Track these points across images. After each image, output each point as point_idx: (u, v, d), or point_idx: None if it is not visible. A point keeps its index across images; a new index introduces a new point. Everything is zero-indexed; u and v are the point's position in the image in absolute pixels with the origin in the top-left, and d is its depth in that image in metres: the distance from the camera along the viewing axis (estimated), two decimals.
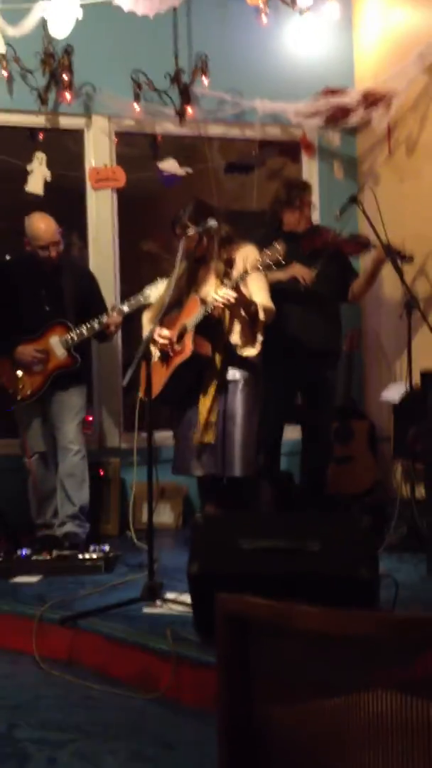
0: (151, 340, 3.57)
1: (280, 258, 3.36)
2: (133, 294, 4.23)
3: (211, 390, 3.56)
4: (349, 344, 4.77)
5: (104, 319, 4.14)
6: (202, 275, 3.72)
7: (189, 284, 3.74)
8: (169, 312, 3.71)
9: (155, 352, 3.72)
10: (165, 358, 3.68)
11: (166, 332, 3.66)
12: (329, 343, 4.36)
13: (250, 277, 3.57)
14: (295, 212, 4.28)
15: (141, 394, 3.75)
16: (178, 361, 3.59)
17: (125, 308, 4.17)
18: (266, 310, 3.58)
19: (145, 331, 3.55)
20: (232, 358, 3.62)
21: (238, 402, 3.57)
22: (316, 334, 4.24)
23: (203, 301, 3.55)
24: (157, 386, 3.65)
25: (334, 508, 4.48)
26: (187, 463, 3.63)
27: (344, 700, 1.40)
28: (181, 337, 3.60)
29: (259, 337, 3.58)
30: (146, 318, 3.84)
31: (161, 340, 3.64)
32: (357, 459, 4.69)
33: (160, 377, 3.68)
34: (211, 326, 3.59)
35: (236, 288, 3.44)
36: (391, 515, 4.07)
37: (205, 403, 3.56)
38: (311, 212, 4.44)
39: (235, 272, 3.55)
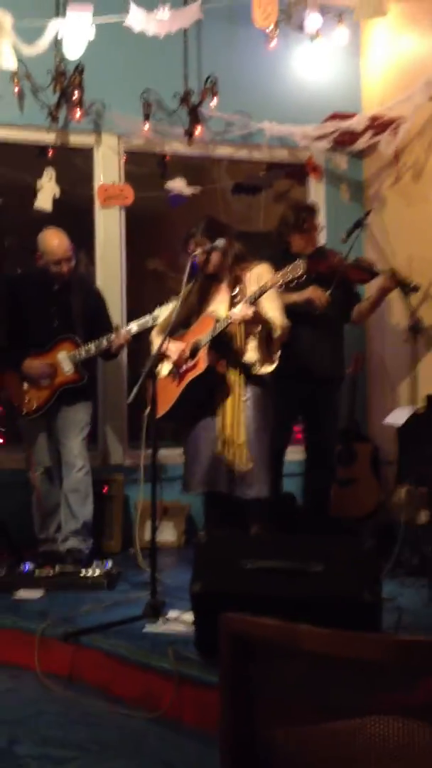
0: (162, 354, 3.57)
1: (301, 275, 3.34)
2: (141, 313, 4.26)
3: (229, 406, 3.53)
4: (353, 367, 4.79)
5: (112, 337, 4.17)
6: (213, 293, 3.72)
7: (200, 302, 3.74)
8: (178, 329, 3.72)
9: (167, 366, 3.72)
10: (176, 373, 3.68)
11: (179, 345, 3.65)
12: (335, 367, 4.37)
13: (266, 294, 3.56)
14: (303, 235, 4.29)
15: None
16: (190, 376, 3.58)
17: (134, 328, 4.20)
18: (282, 328, 3.55)
19: (154, 348, 3.55)
20: (246, 375, 3.59)
21: (249, 419, 3.54)
22: (324, 358, 4.25)
23: (217, 318, 3.55)
24: (168, 402, 3.65)
25: (337, 531, 4.47)
26: (192, 479, 3.61)
27: (347, 723, 1.40)
28: (194, 353, 3.60)
29: (276, 354, 3.53)
30: (155, 335, 3.85)
31: (174, 355, 3.64)
32: (360, 482, 4.70)
33: (170, 393, 3.67)
34: (224, 343, 3.57)
35: (253, 304, 3.44)
36: (394, 539, 4.06)
37: (223, 418, 3.53)
38: (318, 235, 4.47)
39: (249, 290, 3.54)
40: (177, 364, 3.67)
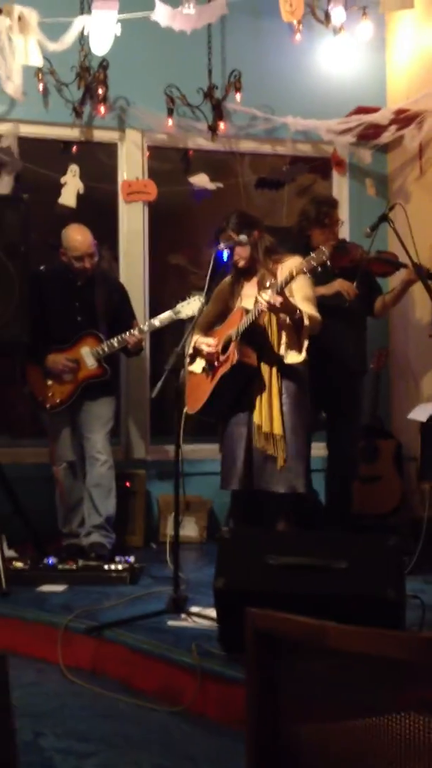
0: (197, 352, 3.56)
1: (325, 260, 3.31)
2: (163, 308, 4.28)
3: (265, 400, 3.50)
4: (377, 363, 4.76)
5: (127, 335, 4.19)
6: (246, 288, 3.70)
7: (234, 296, 3.73)
8: (213, 325, 3.71)
9: (200, 364, 3.71)
10: (210, 368, 3.67)
11: (211, 340, 3.64)
12: (359, 360, 4.35)
13: (297, 286, 3.53)
14: (325, 230, 4.26)
15: (187, 409, 3.72)
16: (222, 371, 3.57)
17: (156, 323, 4.22)
18: (312, 318, 3.50)
19: (188, 344, 3.54)
20: (280, 368, 3.54)
21: (285, 414, 3.49)
22: (348, 351, 4.23)
23: (247, 310, 3.52)
24: (202, 398, 3.64)
25: (359, 528, 4.45)
26: (228, 477, 3.59)
27: (373, 721, 1.40)
28: (226, 347, 3.59)
29: (305, 344, 3.46)
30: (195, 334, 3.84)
31: (206, 349, 3.63)
32: (383, 478, 4.68)
33: (204, 389, 3.66)
34: (257, 335, 3.52)
35: (281, 292, 3.41)
36: (417, 536, 4.04)
37: (260, 411, 3.50)
38: (339, 229, 4.43)
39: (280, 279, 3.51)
40: (209, 360, 3.65)
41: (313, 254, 3.35)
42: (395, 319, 5.30)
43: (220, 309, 3.76)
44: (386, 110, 5.02)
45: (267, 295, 3.38)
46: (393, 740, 1.37)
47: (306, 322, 3.44)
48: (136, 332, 4.21)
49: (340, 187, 5.37)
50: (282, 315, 3.45)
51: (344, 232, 5.23)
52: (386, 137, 5.06)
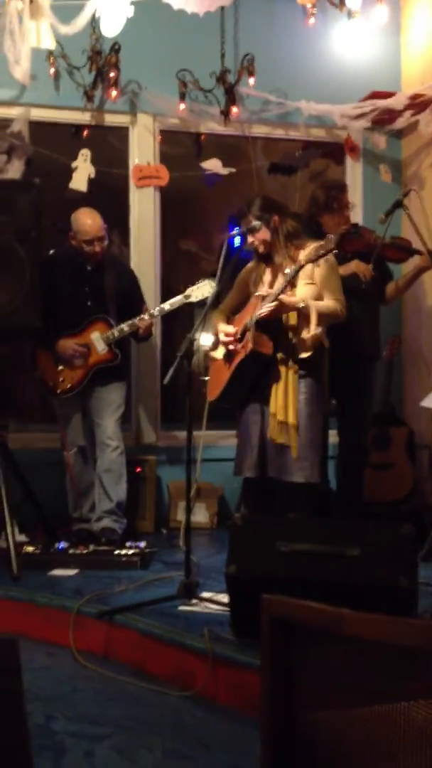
0: (217, 341, 3.56)
1: (332, 248, 3.28)
2: (173, 293, 4.27)
3: (281, 389, 3.47)
4: (389, 351, 4.74)
5: (137, 320, 4.18)
6: (268, 273, 3.68)
7: (255, 282, 3.70)
8: (235, 311, 3.70)
9: (221, 350, 3.70)
10: (229, 356, 3.66)
11: (230, 329, 3.62)
12: (373, 345, 4.33)
13: (319, 276, 3.49)
14: (334, 215, 4.22)
15: (210, 397, 3.72)
16: (238, 359, 3.56)
17: (166, 306, 4.21)
18: (325, 314, 3.47)
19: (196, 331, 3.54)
20: (297, 356, 3.50)
21: (300, 402, 3.45)
22: (363, 336, 4.19)
23: (264, 298, 3.51)
24: (220, 386, 3.63)
25: (370, 515, 4.45)
26: (242, 464, 3.57)
27: (388, 708, 1.40)
28: (243, 335, 3.57)
29: (309, 338, 3.44)
30: (215, 317, 3.82)
31: (224, 338, 3.60)
32: (395, 466, 4.66)
33: (223, 376, 3.65)
34: (273, 323, 3.47)
35: (278, 295, 3.38)
36: (429, 523, 4.04)
37: (276, 400, 3.46)
38: (350, 212, 4.39)
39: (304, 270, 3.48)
40: (227, 347, 3.64)
41: (321, 243, 3.33)
42: (408, 306, 5.27)
43: (243, 295, 3.73)
44: (401, 95, 4.97)
45: (265, 309, 3.39)
46: (407, 727, 1.37)
47: (312, 315, 3.41)
48: (146, 317, 4.20)
49: (354, 172, 5.33)
50: (287, 311, 3.43)
51: (358, 218, 5.20)
52: (401, 122, 5.02)
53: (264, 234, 3.58)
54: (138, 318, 4.20)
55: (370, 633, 1.35)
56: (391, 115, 5.00)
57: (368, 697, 1.43)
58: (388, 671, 1.42)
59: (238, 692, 2.68)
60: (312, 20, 4.91)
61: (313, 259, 3.34)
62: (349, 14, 5.06)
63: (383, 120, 5.05)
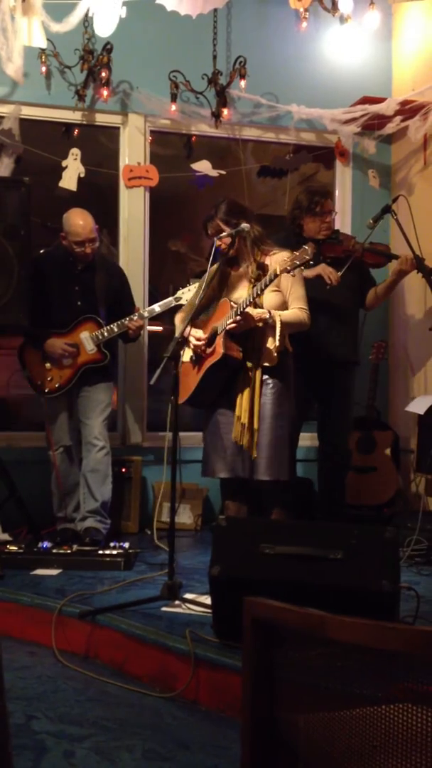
0: (185, 341, 3.55)
1: (308, 259, 3.31)
2: (161, 293, 4.28)
3: (246, 392, 3.50)
4: (375, 355, 4.76)
5: (127, 321, 4.18)
6: (234, 278, 3.69)
7: (221, 286, 3.71)
8: (200, 314, 3.70)
9: (188, 353, 3.71)
10: (198, 360, 3.67)
11: (200, 333, 3.64)
12: (349, 351, 4.33)
13: (286, 284, 3.54)
14: (316, 219, 4.26)
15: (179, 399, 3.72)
16: (208, 363, 3.57)
17: (156, 308, 4.22)
18: (290, 324, 3.52)
19: (178, 332, 3.54)
20: (262, 360, 3.55)
21: (266, 404, 3.52)
22: (338, 342, 4.23)
23: (233, 305, 3.52)
24: (189, 389, 3.64)
25: (352, 518, 4.46)
26: (214, 465, 3.60)
27: (369, 711, 1.40)
28: (212, 339, 3.58)
29: (277, 344, 3.45)
30: (178, 319, 3.84)
31: (195, 342, 3.63)
32: (379, 470, 4.68)
33: (191, 380, 3.66)
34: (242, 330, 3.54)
35: (242, 312, 3.40)
36: (412, 528, 4.06)
37: (240, 404, 3.50)
38: (332, 218, 4.42)
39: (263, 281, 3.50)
40: (196, 351, 3.65)
41: (296, 253, 3.33)
42: (395, 311, 5.30)
43: (208, 298, 3.68)
44: (391, 100, 4.99)
45: (230, 321, 3.42)
46: (388, 731, 1.37)
47: (277, 325, 3.43)
48: (136, 318, 4.21)
49: (344, 177, 5.35)
50: (253, 324, 3.46)
51: (346, 222, 5.23)
52: (391, 128, 5.04)
53: (237, 240, 3.59)
54: (128, 318, 4.20)
55: (353, 636, 1.35)
56: (381, 120, 5.02)
57: (349, 700, 1.43)
58: (369, 674, 1.43)
59: (220, 694, 2.68)
60: (304, 24, 4.91)
61: (289, 270, 3.34)
62: (342, 19, 5.08)
63: (373, 125, 5.07)
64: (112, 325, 4.20)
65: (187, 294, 4.11)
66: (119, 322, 4.19)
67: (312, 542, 2.73)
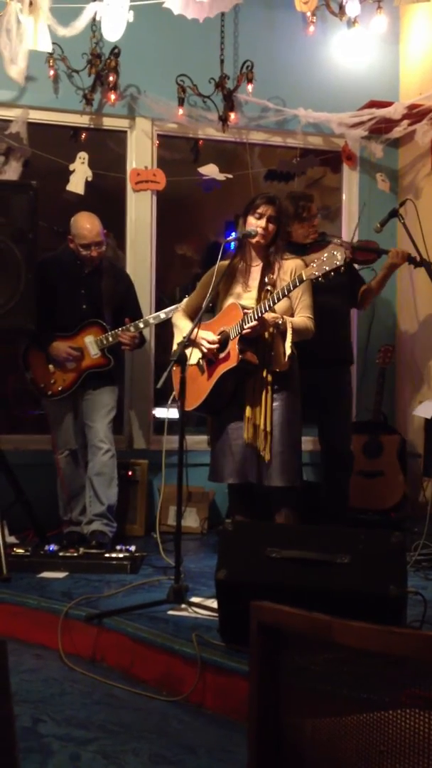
0: (192, 343, 3.54)
1: (339, 265, 3.25)
2: (167, 296, 4.29)
3: (259, 396, 3.48)
4: (382, 359, 4.75)
5: (120, 331, 4.18)
6: (242, 280, 3.69)
7: (227, 287, 3.71)
8: (199, 310, 3.68)
9: (195, 354, 3.67)
10: (208, 365, 3.65)
11: (211, 336, 3.61)
12: (341, 351, 4.32)
13: (296, 294, 3.53)
14: (303, 224, 4.26)
15: (186, 406, 3.68)
16: (222, 369, 3.55)
17: (162, 315, 4.26)
18: (298, 331, 3.51)
19: (181, 333, 3.52)
20: (271, 367, 3.54)
21: (277, 409, 3.50)
22: (329, 343, 4.14)
23: (245, 311, 3.50)
24: (200, 394, 3.63)
25: (357, 522, 4.45)
26: (223, 470, 3.59)
27: (376, 716, 1.40)
28: (224, 344, 3.57)
29: (285, 354, 3.46)
30: (178, 317, 3.81)
31: (208, 345, 3.61)
32: (386, 474, 4.67)
33: (201, 385, 3.64)
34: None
35: (260, 317, 3.40)
36: (419, 532, 4.05)
37: (253, 408, 3.48)
38: (317, 221, 4.41)
39: (282, 284, 3.49)
40: (207, 356, 3.63)
41: (324, 257, 3.28)
42: (402, 315, 5.29)
43: (212, 297, 3.64)
44: (398, 104, 5.00)
45: (245, 327, 3.42)
46: (395, 736, 1.37)
47: (288, 331, 3.43)
48: (132, 328, 4.21)
49: (350, 180, 5.35)
50: (267, 328, 3.47)
51: (353, 226, 5.22)
52: (398, 132, 5.04)
53: (274, 226, 3.60)
54: (121, 329, 4.20)
55: (360, 641, 1.35)
56: (388, 124, 5.03)
57: (356, 705, 1.43)
58: (376, 680, 1.43)
59: (226, 698, 2.68)
60: (312, 28, 4.93)
61: (319, 276, 3.30)
62: (349, 23, 5.09)
63: (380, 129, 5.07)
64: (116, 330, 4.22)
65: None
66: (113, 332, 4.20)
67: (319, 547, 2.73)
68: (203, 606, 3.18)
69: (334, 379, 4.29)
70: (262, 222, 3.59)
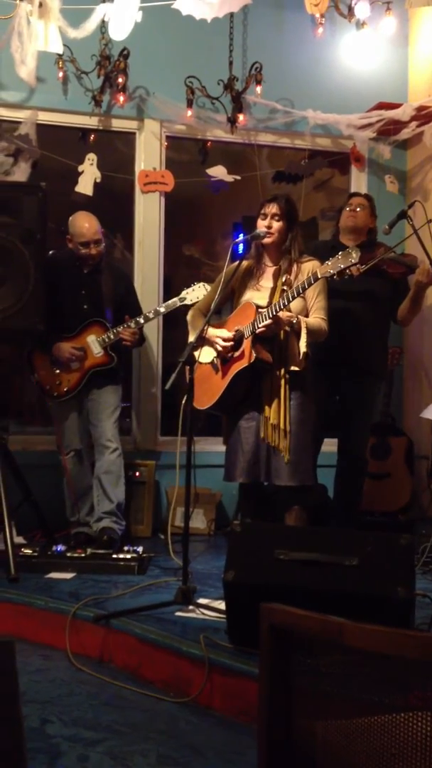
0: (204, 341, 3.54)
1: (354, 263, 3.26)
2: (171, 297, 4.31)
3: (275, 395, 3.48)
4: (390, 361, 4.73)
5: (120, 329, 4.19)
6: (256, 281, 3.69)
7: (242, 286, 3.70)
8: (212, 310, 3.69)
9: (207, 353, 3.66)
10: (223, 363, 3.65)
11: (226, 333, 3.60)
12: (373, 360, 4.23)
13: (311, 294, 3.53)
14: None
15: (199, 405, 3.63)
16: (237, 368, 3.55)
17: (162, 309, 4.26)
18: (312, 332, 3.50)
19: (192, 332, 3.50)
20: (287, 367, 3.54)
21: (291, 408, 3.48)
22: (362, 349, 4.13)
23: (260, 309, 3.50)
24: (213, 394, 3.63)
25: (367, 525, 4.44)
26: (234, 469, 3.58)
27: (387, 719, 1.40)
28: (239, 343, 3.57)
29: (300, 353, 3.46)
30: (192, 316, 3.81)
31: (222, 343, 3.60)
32: (393, 476, 4.67)
33: (214, 384, 3.64)
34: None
35: (275, 315, 3.41)
36: (426, 534, 4.04)
37: (270, 406, 3.48)
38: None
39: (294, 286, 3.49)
40: (222, 354, 3.63)
41: (340, 255, 3.30)
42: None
43: (225, 295, 3.65)
44: (407, 106, 4.99)
45: (259, 325, 3.42)
46: (406, 739, 1.36)
47: (303, 331, 3.43)
48: (132, 325, 4.21)
49: (359, 182, 5.35)
50: (282, 327, 3.47)
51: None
52: (406, 133, 5.04)
53: (282, 225, 3.59)
54: (122, 327, 4.20)
55: (370, 644, 1.35)
56: (396, 126, 5.03)
57: (367, 708, 1.43)
58: (386, 682, 1.42)
59: (234, 700, 2.67)
60: (321, 30, 4.93)
61: (333, 274, 3.32)
62: (358, 25, 5.09)
63: (389, 131, 5.07)
64: (118, 328, 4.22)
65: (192, 294, 4.13)
66: (115, 330, 4.20)
67: (327, 548, 2.72)
68: (211, 607, 3.17)
69: (362, 387, 4.20)
70: (267, 221, 3.60)
